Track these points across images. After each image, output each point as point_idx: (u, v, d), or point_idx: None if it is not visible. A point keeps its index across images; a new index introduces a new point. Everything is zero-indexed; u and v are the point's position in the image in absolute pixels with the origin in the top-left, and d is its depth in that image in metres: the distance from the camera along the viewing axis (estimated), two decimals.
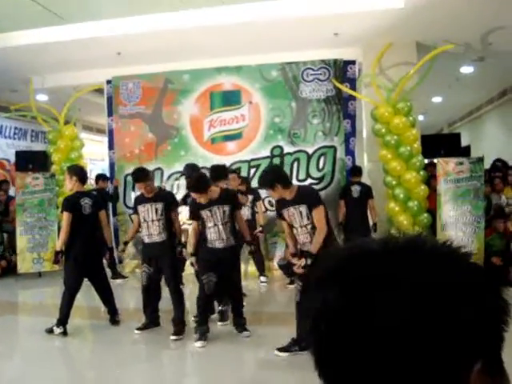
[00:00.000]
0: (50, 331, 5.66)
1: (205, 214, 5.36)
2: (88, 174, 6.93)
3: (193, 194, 5.39)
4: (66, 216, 5.82)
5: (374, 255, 0.64)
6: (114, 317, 6.09)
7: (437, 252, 0.65)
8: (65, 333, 5.65)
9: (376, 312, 0.59)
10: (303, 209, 4.67)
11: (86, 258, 5.84)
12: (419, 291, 0.59)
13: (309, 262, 4.53)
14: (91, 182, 10.35)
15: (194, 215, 5.50)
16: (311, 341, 0.65)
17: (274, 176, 4.79)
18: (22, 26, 8.30)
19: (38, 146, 13.50)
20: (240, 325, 5.53)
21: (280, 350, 4.79)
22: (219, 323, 5.85)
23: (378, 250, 0.65)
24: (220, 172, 6.34)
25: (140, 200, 5.87)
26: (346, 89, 8.95)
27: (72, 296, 5.79)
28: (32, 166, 10.05)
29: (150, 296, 5.79)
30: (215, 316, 5.99)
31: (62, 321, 5.68)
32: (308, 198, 4.73)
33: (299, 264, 4.62)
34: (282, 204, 4.83)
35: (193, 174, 6.16)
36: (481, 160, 8.43)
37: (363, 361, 0.59)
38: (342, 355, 0.60)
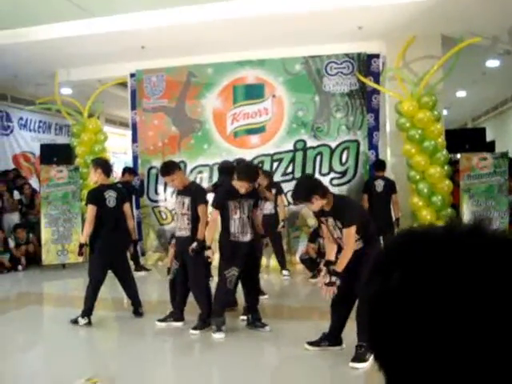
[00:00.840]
0: (75, 322, 5.72)
1: (233, 204, 5.32)
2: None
3: (238, 183, 5.23)
4: (90, 209, 5.86)
5: (438, 240, 0.63)
6: (137, 309, 6.13)
7: (499, 240, 0.63)
8: (89, 323, 5.71)
9: (437, 297, 0.58)
10: (339, 223, 4.46)
11: (110, 250, 5.89)
12: (484, 278, 0.58)
13: (333, 279, 4.34)
14: (114, 175, 10.44)
15: (220, 204, 5.34)
16: (369, 328, 0.64)
17: (310, 186, 4.48)
18: (46, 19, 8.37)
19: (61, 139, 13.62)
20: (258, 319, 5.51)
21: (310, 344, 4.75)
22: (242, 317, 5.80)
23: (441, 236, 0.64)
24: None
25: (176, 192, 5.89)
26: (370, 82, 8.88)
27: (97, 288, 5.84)
28: (56, 159, 10.16)
29: (177, 289, 5.79)
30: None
31: (87, 312, 5.74)
32: (342, 214, 4.44)
33: (323, 281, 4.43)
34: (321, 213, 4.57)
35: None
36: (505, 155, 8.34)
37: (421, 348, 0.57)
38: (401, 342, 0.59)
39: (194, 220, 5.57)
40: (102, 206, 5.85)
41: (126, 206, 6.18)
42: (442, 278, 0.59)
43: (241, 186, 5.22)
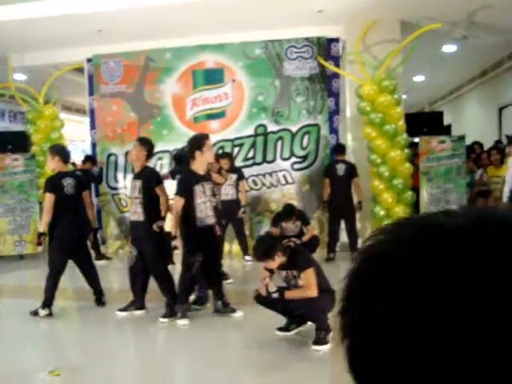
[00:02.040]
0: (35, 313, 5.60)
1: (198, 188, 5.28)
2: None
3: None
4: (48, 197, 5.73)
5: (470, 239, 0.48)
6: (99, 298, 6.04)
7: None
8: (50, 314, 5.59)
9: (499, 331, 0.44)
10: (295, 272, 4.50)
11: (70, 239, 5.76)
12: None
13: (275, 295, 4.45)
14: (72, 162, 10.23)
15: (186, 191, 5.28)
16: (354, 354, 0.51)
17: (272, 244, 4.48)
18: None
19: (16, 127, 13.27)
20: (227, 304, 5.50)
21: (280, 329, 4.79)
22: (196, 306, 5.72)
23: (471, 232, 0.48)
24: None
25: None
26: (331, 67, 8.89)
27: (57, 277, 5.72)
28: (11, 147, 9.87)
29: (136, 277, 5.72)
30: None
31: (47, 303, 5.62)
32: (297, 261, 4.48)
33: (266, 283, 4.50)
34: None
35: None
36: (462, 138, 8.49)
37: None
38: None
39: (146, 204, 5.52)
40: (60, 194, 5.72)
41: (85, 194, 6.06)
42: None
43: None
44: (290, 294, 4.45)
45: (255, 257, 4.65)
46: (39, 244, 5.90)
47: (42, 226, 5.83)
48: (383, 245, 0.52)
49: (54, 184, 5.78)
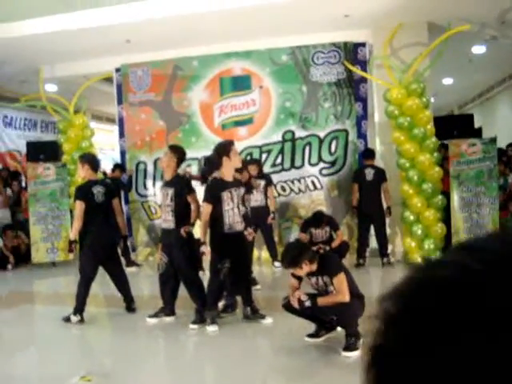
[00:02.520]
0: (67, 320, 5.67)
1: (225, 195, 5.29)
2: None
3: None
4: (78, 205, 5.80)
5: None
6: (129, 304, 6.09)
7: None
8: (82, 321, 5.65)
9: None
10: (326, 278, 4.47)
11: (100, 246, 5.83)
12: None
13: (308, 303, 4.42)
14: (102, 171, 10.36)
15: (214, 197, 5.29)
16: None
17: (299, 251, 4.45)
18: (30, 14, 8.26)
19: (48, 137, 13.50)
20: (256, 311, 5.49)
21: (310, 336, 4.77)
22: (224, 314, 5.71)
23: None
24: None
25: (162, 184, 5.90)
26: (358, 71, 8.84)
27: (88, 284, 5.79)
28: (43, 157, 10.05)
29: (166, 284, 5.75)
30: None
31: (79, 309, 5.68)
32: (328, 267, 4.47)
33: (298, 296, 4.46)
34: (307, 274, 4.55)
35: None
36: (493, 141, 8.33)
37: None
38: None
39: (178, 212, 5.55)
40: (91, 202, 5.79)
41: (115, 202, 6.12)
42: None
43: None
44: (322, 301, 4.41)
45: (283, 264, 4.64)
46: (70, 251, 5.98)
47: (73, 234, 5.90)
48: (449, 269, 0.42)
49: (84, 192, 5.85)
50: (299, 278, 4.59)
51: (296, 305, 4.47)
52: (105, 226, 5.86)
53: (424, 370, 0.39)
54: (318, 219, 7.68)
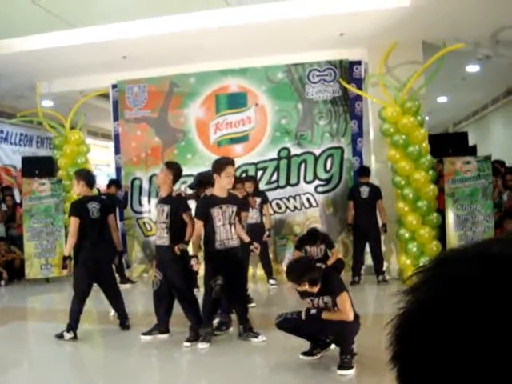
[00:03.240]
0: (61, 336, 5.62)
1: (216, 211, 5.30)
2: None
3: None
4: (73, 221, 5.80)
5: None
6: (124, 321, 6.05)
7: None
8: (75, 338, 5.62)
9: None
10: (326, 298, 4.49)
11: (95, 262, 5.80)
12: None
13: (313, 311, 4.45)
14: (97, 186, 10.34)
15: (203, 214, 5.32)
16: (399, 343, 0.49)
17: (302, 270, 4.47)
18: (26, 31, 8.29)
19: (43, 152, 13.49)
20: (250, 329, 5.46)
21: (304, 354, 4.74)
22: (218, 332, 5.68)
23: None
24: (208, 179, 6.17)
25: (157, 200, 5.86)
26: (353, 89, 8.90)
27: (82, 301, 5.76)
28: (38, 172, 10.04)
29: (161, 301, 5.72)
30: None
31: (72, 326, 5.65)
32: (330, 288, 4.48)
33: (307, 308, 4.53)
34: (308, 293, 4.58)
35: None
36: (488, 159, 8.37)
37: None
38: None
39: (173, 229, 5.54)
40: (85, 218, 5.78)
41: (111, 218, 6.10)
42: None
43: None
44: (327, 316, 4.41)
45: (287, 276, 4.63)
46: (65, 267, 5.94)
47: (67, 250, 5.89)
48: (442, 283, 0.47)
49: (78, 208, 5.84)
50: (301, 294, 4.60)
51: (303, 316, 4.48)
52: (99, 243, 5.84)
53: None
54: (312, 236, 7.67)
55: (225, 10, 7.93)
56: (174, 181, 5.70)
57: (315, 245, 7.64)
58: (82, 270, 5.78)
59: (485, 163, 8.17)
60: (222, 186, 5.31)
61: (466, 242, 7.75)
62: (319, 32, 8.35)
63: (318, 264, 7.24)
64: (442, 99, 13.77)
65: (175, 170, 5.69)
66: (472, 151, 9.58)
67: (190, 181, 9.28)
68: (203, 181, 6.11)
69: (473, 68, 10.64)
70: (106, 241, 5.95)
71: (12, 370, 4.97)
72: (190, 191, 8.51)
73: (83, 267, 5.78)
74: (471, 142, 10.38)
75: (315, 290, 4.44)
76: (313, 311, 4.46)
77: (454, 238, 8.14)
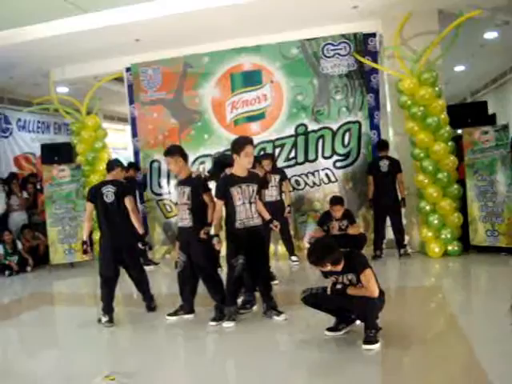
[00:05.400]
0: (99, 320, 5.73)
1: (235, 190, 5.29)
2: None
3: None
4: (87, 206, 5.95)
5: None
6: (149, 303, 6.12)
7: None
8: (110, 321, 5.69)
9: None
10: (351, 275, 4.48)
11: (116, 246, 5.84)
12: None
13: (339, 286, 4.48)
14: None
15: (222, 193, 5.31)
16: None
17: (324, 251, 4.43)
18: (38, 18, 8.29)
19: (61, 138, 13.59)
20: (273, 307, 5.49)
21: (330, 329, 4.76)
22: (243, 310, 5.72)
23: None
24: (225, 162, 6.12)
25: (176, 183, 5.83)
26: (368, 62, 8.80)
27: (108, 285, 5.80)
28: (57, 158, 10.13)
29: (185, 282, 5.76)
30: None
31: (106, 310, 5.72)
32: (353, 265, 4.47)
33: (333, 282, 4.54)
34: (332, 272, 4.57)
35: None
36: (506, 127, 8.24)
37: None
38: None
39: (195, 210, 5.53)
40: (101, 202, 5.83)
41: (127, 200, 5.95)
42: None
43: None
44: (352, 291, 4.43)
45: (308, 259, 4.61)
46: (85, 252, 5.97)
47: (84, 235, 5.95)
48: None
49: (92, 193, 5.92)
50: (324, 273, 4.62)
51: (329, 291, 4.52)
52: (120, 226, 5.86)
53: None
54: (337, 198, 7.72)
55: None
56: (185, 160, 5.70)
57: (338, 219, 7.64)
58: (105, 255, 5.84)
59: (503, 132, 8.05)
60: (241, 165, 5.28)
61: (486, 213, 7.70)
62: (332, 6, 8.26)
63: (341, 232, 7.33)
64: (460, 68, 13.54)
65: (178, 152, 5.64)
66: (491, 120, 9.44)
67: (208, 161, 9.33)
68: (221, 164, 6.07)
69: (491, 35, 10.43)
70: (125, 224, 5.94)
71: (43, 353, 5.05)
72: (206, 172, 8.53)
73: (105, 252, 5.84)
74: (490, 111, 10.22)
75: (339, 268, 4.45)
76: (338, 286, 4.48)
77: (475, 209, 8.07)
